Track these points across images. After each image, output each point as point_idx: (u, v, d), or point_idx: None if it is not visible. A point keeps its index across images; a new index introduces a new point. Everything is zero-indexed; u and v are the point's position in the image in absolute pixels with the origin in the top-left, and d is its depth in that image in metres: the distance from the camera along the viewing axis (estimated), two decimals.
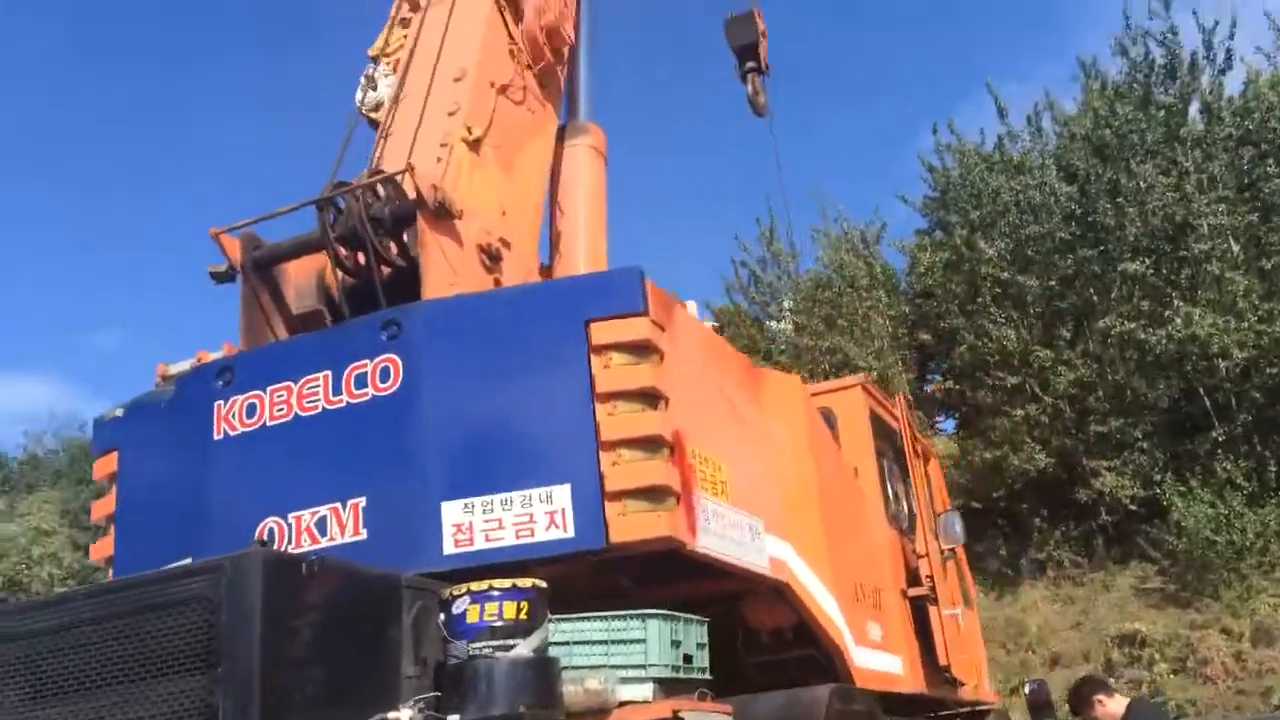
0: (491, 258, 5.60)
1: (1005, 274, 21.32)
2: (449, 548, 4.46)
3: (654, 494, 4.52)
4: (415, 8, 6.98)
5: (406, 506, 4.55)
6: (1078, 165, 20.90)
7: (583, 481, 4.49)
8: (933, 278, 23.28)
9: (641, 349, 4.67)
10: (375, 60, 7.17)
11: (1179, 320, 18.96)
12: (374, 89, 6.96)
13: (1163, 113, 20.00)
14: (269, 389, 4.86)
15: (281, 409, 4.83)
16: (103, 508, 5.37)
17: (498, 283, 5.65)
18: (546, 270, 7.42)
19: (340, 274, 5.30)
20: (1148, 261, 20.02)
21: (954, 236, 22.40)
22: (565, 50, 7.08)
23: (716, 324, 29.32)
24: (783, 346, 24.22)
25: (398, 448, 4.65)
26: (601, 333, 4.67)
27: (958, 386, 22.94)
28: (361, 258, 5.30)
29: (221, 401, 4.92)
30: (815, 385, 8.11)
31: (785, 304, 25.57)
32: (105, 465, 5.32)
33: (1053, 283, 21.19)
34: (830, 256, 24.21)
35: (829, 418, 7.20)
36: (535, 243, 6.53)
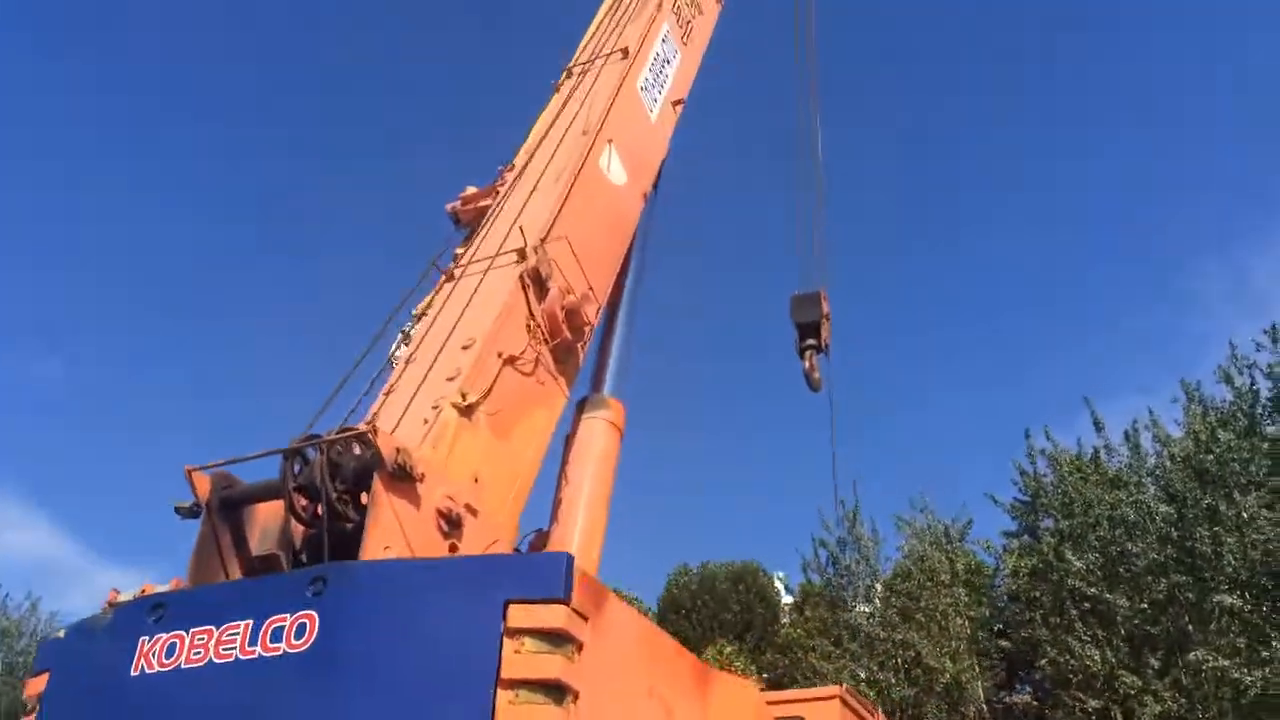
0: (450, 523, 5.65)
1: (1094, 589, 20.43)
2: None
3: None
4: (451, 277, 7.40)
5: None
6: (1176, 487, 20.22)
7: None
8: (1017, 583, 22.43)
9: (557, 638, 4.58)
10: (418, 318, 7.57)
11: (1277, 663, 17.73)
12: (406, 345, 7.32)
13: (1267, 444, 19.35)
14: (191, 631, 4.89)
15: (199, 653, 4.84)
16: None
17: (454, 548, 5.68)
18: (544, 535, 7.46)
19: (296, 523, 5.43)
20: (1247, 596, 18.96)
21: (1042, 543, 21.67)
22: (586, 330, 7.34)
23: (799, 599, 28.74)
24: (856, 634, 23.37)
25: (292, 709, 4.59)
26: (519, 616, 4.60)
27: (1036, 702, 21.64)
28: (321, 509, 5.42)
29: (147, 637, 4.96)
30: (792, 691, 7.78)
31: (876, 589, 24.84)
32: (36, 685, 5.37)
33: (1144, 605, 20.17)
34: (912, 547, 23.60)
35: None
36: (517, 509, 6.58)
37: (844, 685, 7.71)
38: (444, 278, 7.49)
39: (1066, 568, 20.67)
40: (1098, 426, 21.71)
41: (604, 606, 4.96)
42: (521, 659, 4.54)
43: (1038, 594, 21.79)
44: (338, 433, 5.51)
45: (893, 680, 22.49)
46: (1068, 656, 20.32)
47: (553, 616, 4.60)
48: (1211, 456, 19.62)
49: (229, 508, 5.66)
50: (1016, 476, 22.79)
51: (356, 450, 5.48)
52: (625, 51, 8.97)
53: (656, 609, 36.36)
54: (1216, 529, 19.05)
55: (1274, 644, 18.17)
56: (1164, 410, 22.25)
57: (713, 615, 34.74)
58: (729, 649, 28.22)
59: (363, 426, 5.54)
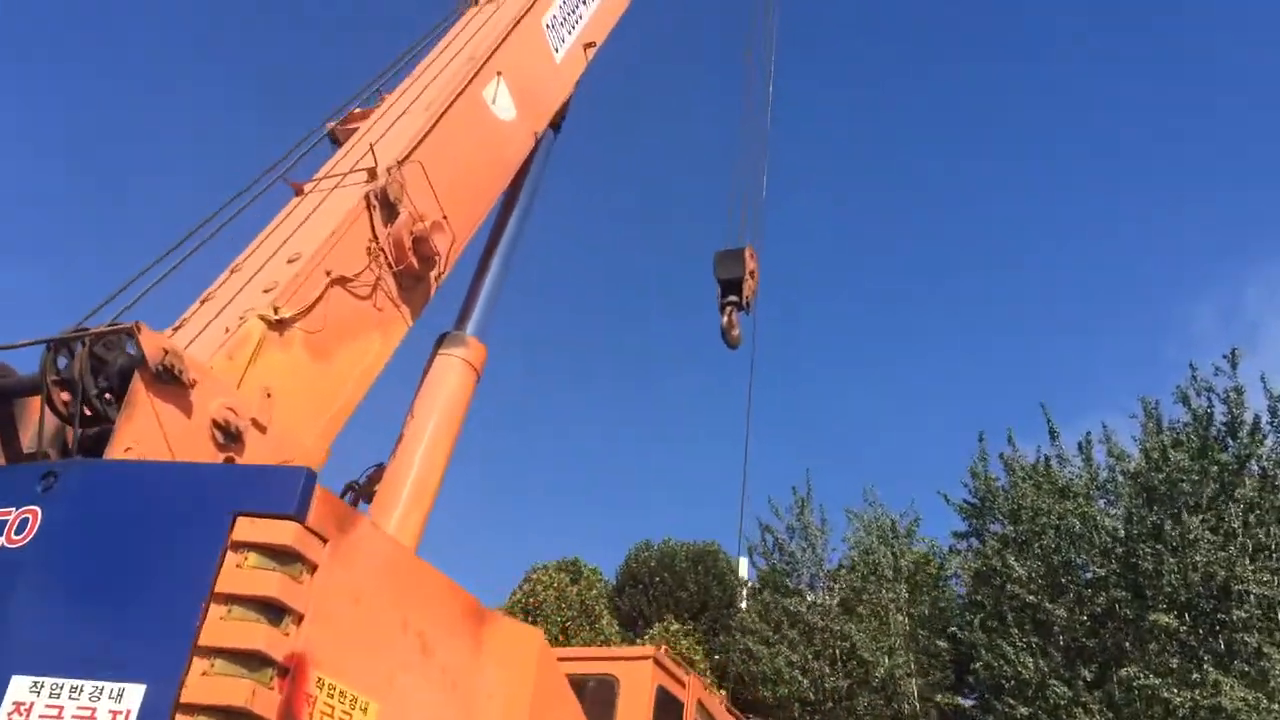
0: (228, 436, 5.41)
1: (1033, 597, 20.23)
2: None
3: (234, 717, 4.10)
4: (300, 192, 7.14)
5: None
6: (1124, 502, 19.99)
7: (160, 685, 4.08)
8: (961, 585, 22.28)
9: (283, 555, 4.34)
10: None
11: (1208, 686, 17.53)
12: None
13: (1216, 468, 19.07)
14: None
15: None
16: None
17: (230, 461, 5.46)
18: (382, 470, 7.25)
19: (59, 416, 5.20)
20: (1185, 618, 18.76)
21: (987, 547, 21.45)
22: (435, 259, 7.07)
23: (756, 585, 28.62)
24: (795, 621, 23.21)
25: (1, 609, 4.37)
26: (245, 529, 4.36)
27: (965, 704, 21.48)
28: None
29: None
30: (605, 649, 7.60)
31: (821, 578, 24.69)
32: None
33: (1084, 617, 19.99)
34: (858, 539, 23.38)
35: (610, 685, 6.64)
36: (330, 434, 6.34)
37: (662, 647, 7.48)
38: (295, 193, 7.22)
39: (1008, 573, 20.48)
40: (1052, 435, 21.47)
41: (351, 531, 4.72)
42: (241, 574, 4.30)
43: (978, 597, 21.62)
44: (107, 327, 5.28)
45: (827, 670, 22.34)
46: (1001, 662, 20.15)
47: (280, 533, 4.36)
48: (1162, 475, 19.38)
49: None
50: (968, 478, 22.52)
51: (130, 349, 5.24)
52: None
53: (615, 580, 36.30)
54: (1159, 547, 18.85)
55: (1206, 667, 17.98)
56: (1124, 426, 22.00)
57: (669, 593, 34.63)
58: (675, 626, 28.06)
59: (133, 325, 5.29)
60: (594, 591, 28.35)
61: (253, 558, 4.34)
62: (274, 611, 4.29)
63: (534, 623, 26.71)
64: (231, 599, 4.26)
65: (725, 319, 11.22)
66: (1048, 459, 21.27)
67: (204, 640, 4.18)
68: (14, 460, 5.41)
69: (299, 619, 4.36)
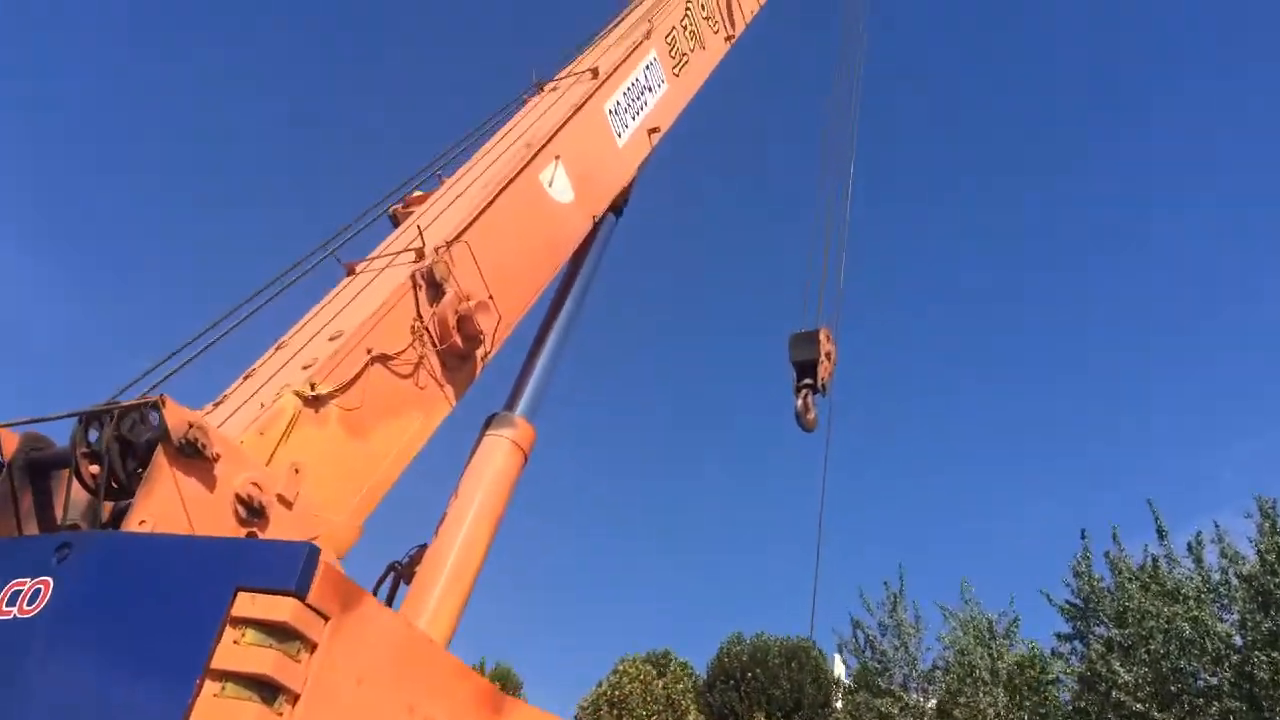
0: (251, 511, 5.39)
1: (1141, 705, 19.11)
2: None
3: None
4: (351, 272, 7.24)
5: None
6: (1238, 607, 18.86)
7: None
8: (1065, 691, 21.19)
9: (280, 632, 4.26)
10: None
11: None
12: None
13: None
14: None
15: None
16: None
17: (252, 536, 5.44)
18: (424, 550, 7.18)
19: (87, 489, 5.27)
20: None
21: (1092, 650, 20.39)
22: (481, 338, 7.05)
23: (851, 685, 27.71)
24: None
25: (8, 677, 4.38)
26: (246, 604, 4.30)
27: None
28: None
29: None
30: None
31: (913, 678, 23.75)
32: None
33: None
34: (953, 638, 22.44)
35: None
36: (363, 511, 6.28)
37: None
38: (346, 273, 7.32)
39: (1114, 679, 19.42)
40: (1160, 534, 20.43)
41: (355, 609, 4.61)
42: (237, 650, 4.23)
43: (1083, 704, 20.53)
44: (135, 401, 5.35)
45: None
46: None
47: (278, 609, 4.27)
48: (1278, 579, 18.25)
49: (37, 470, 5.54)
50: (1070, 578, 21.52)
51: (156, 422, 5.30)
52: (595, 72, 8.75)
53: (706, 675, 35.57)
54: (1276, 655, 17.68)
55: None
56: (1237, 526, 20.86)
57: (761, 689, 33.75)
58: None
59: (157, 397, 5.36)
60: (681, 685, 27.78)
61: (250, 634, 4.26)
62: (268, 690, 4.19)
63: (619, 717, 26.28)
64: (226, 676, 4.18)
65: (800, 402, 11.06)
66: (1155, 560, 20.24)
67: (195, 718, 4.10)
68: (47, 532, 5.48)
69: (294, 699, 4.25)
